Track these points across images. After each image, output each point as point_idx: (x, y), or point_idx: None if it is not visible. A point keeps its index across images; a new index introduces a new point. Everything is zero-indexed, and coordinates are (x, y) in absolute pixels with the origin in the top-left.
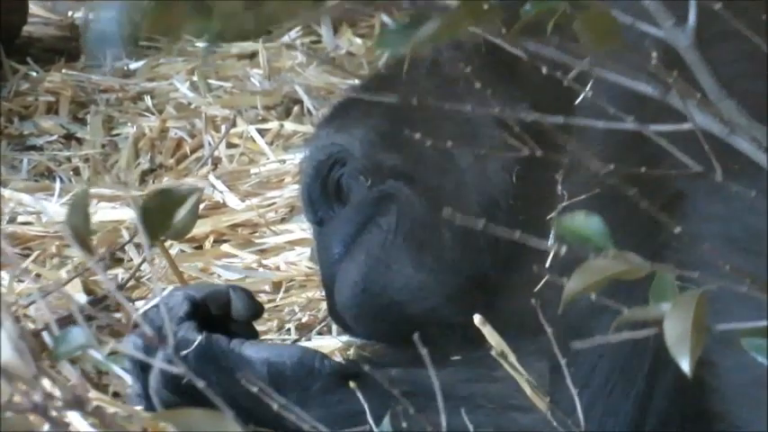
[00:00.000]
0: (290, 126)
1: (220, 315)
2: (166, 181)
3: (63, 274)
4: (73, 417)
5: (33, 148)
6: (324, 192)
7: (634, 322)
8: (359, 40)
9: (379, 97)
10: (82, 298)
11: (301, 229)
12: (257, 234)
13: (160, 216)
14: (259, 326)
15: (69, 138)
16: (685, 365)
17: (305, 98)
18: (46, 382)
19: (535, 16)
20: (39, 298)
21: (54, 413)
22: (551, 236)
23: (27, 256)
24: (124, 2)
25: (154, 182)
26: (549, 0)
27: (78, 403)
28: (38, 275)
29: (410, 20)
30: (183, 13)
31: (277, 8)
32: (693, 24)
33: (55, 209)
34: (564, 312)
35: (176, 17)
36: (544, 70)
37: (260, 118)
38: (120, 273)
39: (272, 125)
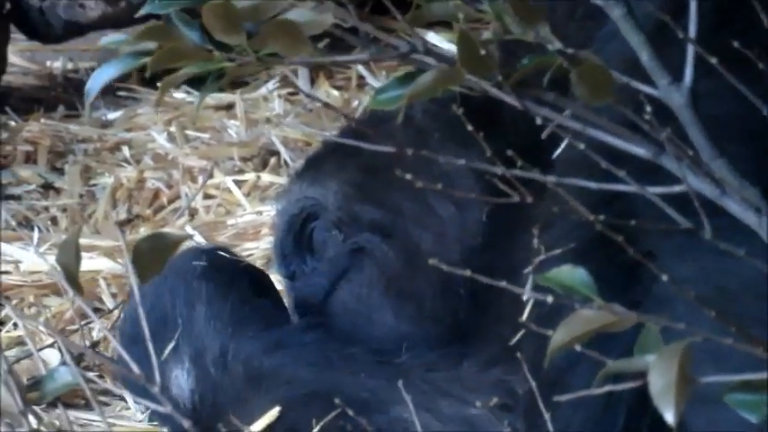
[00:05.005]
0: (266, 177)
1: None
2: (143, 231)
3: (40, 326)
4: None
5: (11, 197)
6: (297, 246)
7: (614, 375)
8: (336, 92)
9: (359, 143)
10: (56, 357)
11: (278, 281)
12: None
13: (151, 259)
14: None
15: (47, 187)
16: (670, 417)
17: (282, 149)
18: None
19: (533, 68)
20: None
21: None
22: (528, 288)
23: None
24: (126, 59)
25: (131, 232)
26: (545, 54)
27: None
28: (15, 325)
29: (403, 75)
30: (187, 52)
31: (283, 45)
32: (689, 83)
33: (33, 258)
34: (539, 365)
35: (181, 56)
36: (538, 121)
37: (237, 169)
38: (96, 326)
39: (249, 176)
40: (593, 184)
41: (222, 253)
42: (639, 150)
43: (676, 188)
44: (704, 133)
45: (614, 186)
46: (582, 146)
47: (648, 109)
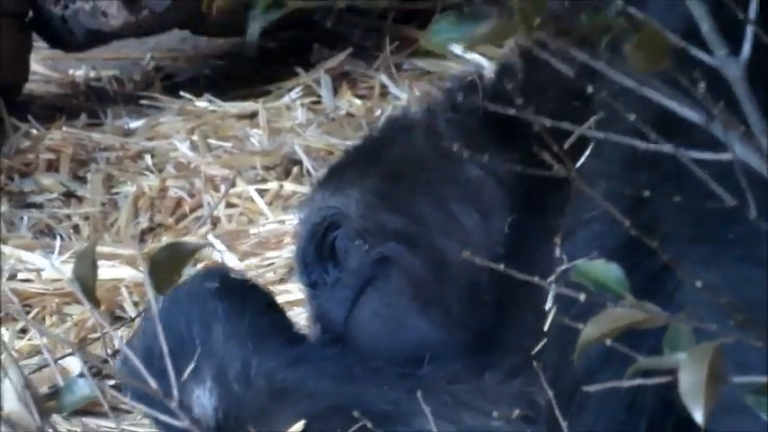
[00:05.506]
0: (289, 186)
1: None
2: (165, 240)
3: (61, 333)
4: None
5: (33, 205)
6: (318, 255)
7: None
8: (358, 101)
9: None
10: (77, 366)
11: (300, 289)
12: None
13: (167, 270)
14: None
15: (69, 196)
16: (699, 416)
17: (304, 159)
18: None
19: (589, 28)
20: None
21: None
22: (550, 298)
23: (27, 312)
24: None
25: (153, 241)
26: (605, 14)
27: None
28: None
29: (457, 17)
30: None
31: None
32: (747, 56)
33: (55, 266)
34: (560, 375)
35: None
36: (590, 89)
37: (259, 178)
38: (118, 333)
39: (272, 185)
40: (639, 143)
41: (232, 274)
42: (692, 115)
43: (724, 156)
44: (758, 108)
45: (659, 147)
46: (632, 117)
47: (702, 84)
